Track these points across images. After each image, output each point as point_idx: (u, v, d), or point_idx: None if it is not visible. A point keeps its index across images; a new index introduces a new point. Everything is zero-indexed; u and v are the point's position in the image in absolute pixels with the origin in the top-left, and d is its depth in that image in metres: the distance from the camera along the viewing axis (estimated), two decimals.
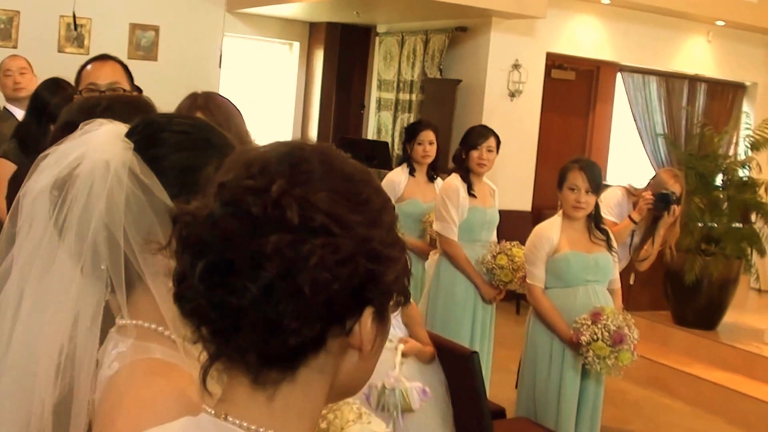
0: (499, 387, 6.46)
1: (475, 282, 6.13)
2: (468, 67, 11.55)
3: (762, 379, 8.00)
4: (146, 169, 1.55)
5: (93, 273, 1.56)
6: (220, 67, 11.36)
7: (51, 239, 1.57)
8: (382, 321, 1.21)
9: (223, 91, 10.88)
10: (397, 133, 12.20)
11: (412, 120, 11.08)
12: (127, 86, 4.15)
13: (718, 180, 9.12)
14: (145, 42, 10.89)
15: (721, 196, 8.96)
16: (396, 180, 6.76)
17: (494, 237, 6.37)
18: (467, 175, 6.18)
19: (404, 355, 4.26)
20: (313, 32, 13.51)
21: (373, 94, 13.18)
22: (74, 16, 10.13)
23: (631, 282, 6.55)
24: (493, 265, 6.03)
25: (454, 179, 6.20)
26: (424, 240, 6.66)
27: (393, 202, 1.39)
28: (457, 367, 4.55)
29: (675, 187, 6.18)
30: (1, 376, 1.61)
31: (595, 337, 5.05)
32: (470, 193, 6.15)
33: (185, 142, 1.62)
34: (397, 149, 11.72)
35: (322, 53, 13.27)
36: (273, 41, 13.49)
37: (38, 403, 1.56)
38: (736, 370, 8.25)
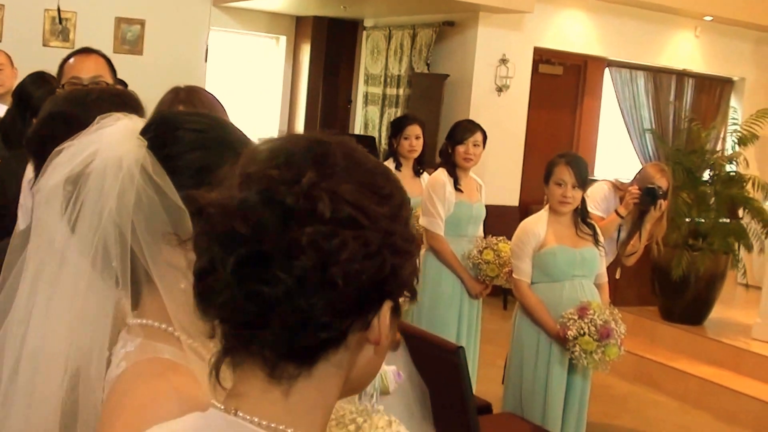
0: (485, 382, 6.45)
1: (461, 277, 6.11)
2: (455, 61, 11.53)
3: (749, 374, 8.01)
4: (159, 168, 1.52)
5: (104, 270, 1.54)
6: (206, 61, 11.31)
7: (63, 236, 1.56)
8: (396, 314, 1.21)
9: (210, 86, 10.85)
10: (384, 128, 12.17)
11: (399, 115, 11.05)
12: (110, 80, 4.11)
13: (706, 175, 9.12)
14: (130, 36, 10.84)
15: (709, 191, 8.96)
16: None
17: (481, 232, 6.35)
18: (453, 169, 6.16)
19: None
20: (300, 26, 13.48)
21: (360, 88, 13.16)
22: (59, 10, 10.08)
23: (617, 276, 6.54)
24: (480, 260, 6.02)
25: (441, 174, 6.18)
26: None
27: None
28: (443, 362, 4.53)
29: (661, 182, 6.17)
30: (16, 375, 1.59)
31: (581, 331, 5.05)
32: (457, 187, 6.14)
33: (200, 141, 1.59)
34: (384, 144, 11.69)
35: (309, 47, 13.26)
36: (259, 35, 13.47)
37: (48, 403, 1.56)
38: (723, 365, 8.26)
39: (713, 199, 8.93)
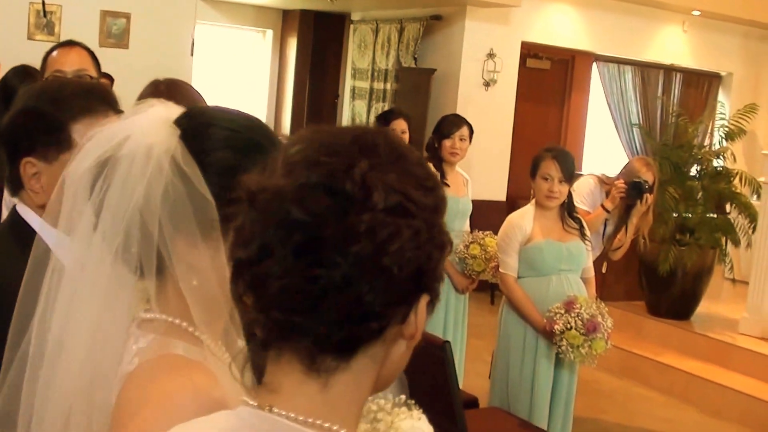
0: (472, 377, 6.44)
1: (447, 272, 6.08)
2: (443, 56, 11.51)
3: (735, 369, 8.02)
4: (189, 158, 1.51)
5: (123, 257, 1.52)
6: (192, 54, 11.24)
7: (88, 219, 1.54)
8: (429, 309, 1.21)
9: (196, 80, 10.82)
10: (371, 123, 12.12)
11: (386, 109, 11.02)
12: (94, 73, 4.09)
13: (693, 170, 9.13)
14: (116, 29, 10.75)
15: (696, 186, 8.96)
16: None
17: (467, 227, 6.34)
18: (440, 164, 6.15)
19: None
20: (287, 20, 13.45)
21: (347, 82, 13.13)
22: (44, 3, 10.01)
23: (604, 271, 6.53)
24: (466, 255, 6.01)
25: None
26: None
27: None
28: (429, 356, 4.51)
29: (647, 176, 6.16)
30: (41, 367, 1.58)
31: (568, 325, 5.04)
32: (443, 182, 6.11)
33: (232, 140, 1.57)
34: None
35: (296, 41, 13.22)
36: (246, 29, 13.43)
37: (69, 396, 1.53)
38: (710, 359, 8.27)
39: (700, 194, 8.94)
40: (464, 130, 6.24)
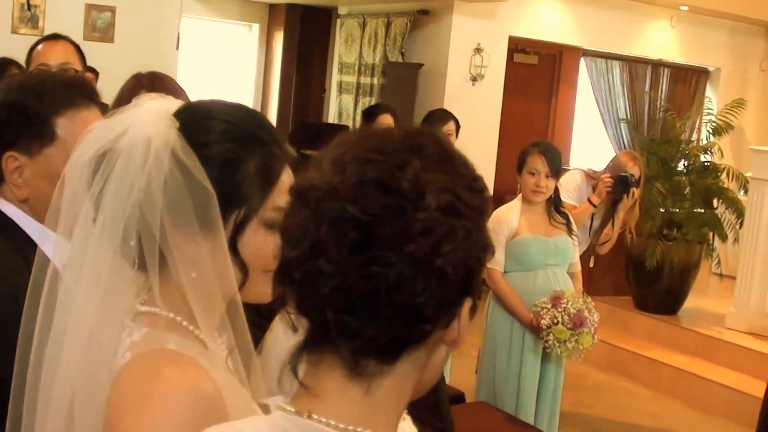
0: (458, 372, 6.41)
1: None
2: (430, 50, 11.48)
3: (722, 364, 8.03)
4: (188, 150, 1.51)
5: (122, 250, 1.52)
6: (177, 49, 11.20)
7: (87, 210, 1.54)
8: (471, 315, 1.21)
9: (181, 74, 10.81)
10: (358, 117, 12.10)
11: (373, 104, 11.00)
12: (78, 66, 4.10)
13: (681, 165, 9.15)
14: (101, 23, 10.70)
15: (683, 181, 8.98)
16: None
17: None
18: None
19: None
20: (273, 13, 13.41)
21: (334, 77, 13.09)
22: None
23: (591, 265, 6.53)
24: None
25: None
26: None
27: None
28: None
29: (634, 170, 6.15)
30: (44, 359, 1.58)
31: (555, 320, 5.05)
32: None
33: (231, 133, 1.57)
34: None
35: (282, 35, 13.18)
36: (232, 23, 13.39)
37: (70, 392, 1.53)
38: (697, 354, 8.28)
39: (688, 189, 8.95)
40: (450, 125, 6.24)
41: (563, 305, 5.07)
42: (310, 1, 12.78)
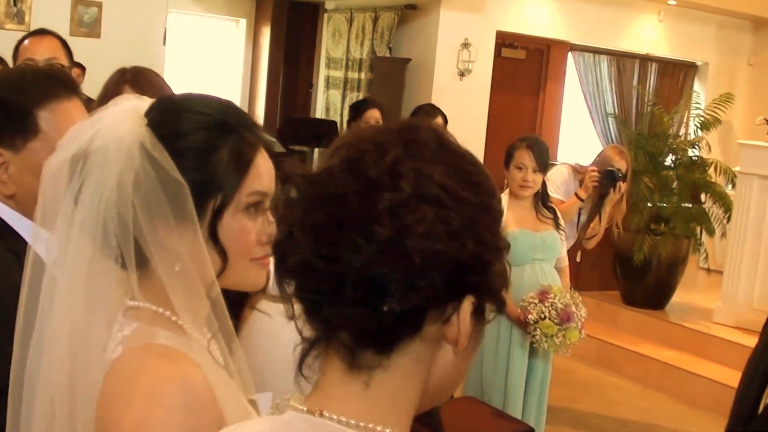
0: None
1: None
2: (417, 45, 11.47)
3: (710, 358, 8.04)
4: (157, 144, 1.53)
5: (103, 249, 1.54)
6: (164, 44, 11.18)
7: (66, 213, 1.56)
8: (479, 318, 1.19)
9: (168, 69, 10.79)
10: (345, 112, 12.08)
11: (360, 99, 10.98)
12: (65, 61, 4.11)
13: (668, 160, 9.16)
14: (87, 18, 10.67)
15: (671, 175, 8.99)
16: None
17: None
18: None
19: None
20: (260, 8, 13.37)
21: (322, 72, 13.06)
22: None
23: (578, 260, 6.53)
24: None
25: None
26: None
27: None
28: None
29: (620, 164, 6.14)
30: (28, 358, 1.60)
31: (542, 315, 5.05)
32: None
33: (205, 122, 1.60)
34: (345, 129, 11.62)
35: (269, 30, 13.13)
36: (219, 18, 13.34)
37: (55, 386, 1.54)
38: (684, 349, 8.30)
39: (675, 183, 8.97)
40: (438, 120, 6.22)
41: (550, 300, 5.07)
42: None
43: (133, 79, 3.31)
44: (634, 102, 13.51)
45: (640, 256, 8.46)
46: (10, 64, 4.38)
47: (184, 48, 12.83)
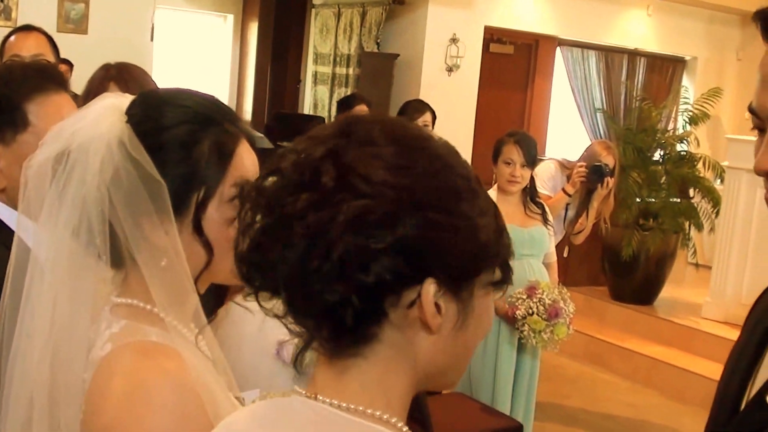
0: None
1: None
2: (405, 41, 11.45)
3: (698, 353, 8.05)
4: (136, 142, 1.53)
5: (88, 248, 1.54)
6: (152, 40, 11.14)
7: (49, 212, 1.56)
8: (458, 299, 1.18)
9: (156, 65, 10.73)
10: (333, 108, 12.06)
11: (348, 94, 10.96)
12: (51, 58, 4.12)
13: (657, 155, 9.17)
14: (74, 14, 10.62)
15: (659, 170, 9.01)
16: None
17: None
18: None
19: None
20: (248, 4, 13.35)
21: (309, 67, 13.03)
22: None
23: (565, 255, 6.53)
24: None
25: None
26: None
27: None
28: None
29: (608, 159, 6.14)
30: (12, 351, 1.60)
31: (530, 311, 5.06)
32: None
33: (183, 116, 1.60)
34: None
35: (257, 26, 13.11)
36: (206, 13, 13.33)
37: (34, 383, 1.54)
38: (673, 344, 8.32)
39: (664, 178, 8.98)
40: (427, 116, 6.23)
41: (538, 296, 5.07)
42: None
43: (118, 75, 3.31)
44: (623, 97, 13.52)
45: (628, 252, 8.48)
46: None
47: (171, 44, 12.80)
